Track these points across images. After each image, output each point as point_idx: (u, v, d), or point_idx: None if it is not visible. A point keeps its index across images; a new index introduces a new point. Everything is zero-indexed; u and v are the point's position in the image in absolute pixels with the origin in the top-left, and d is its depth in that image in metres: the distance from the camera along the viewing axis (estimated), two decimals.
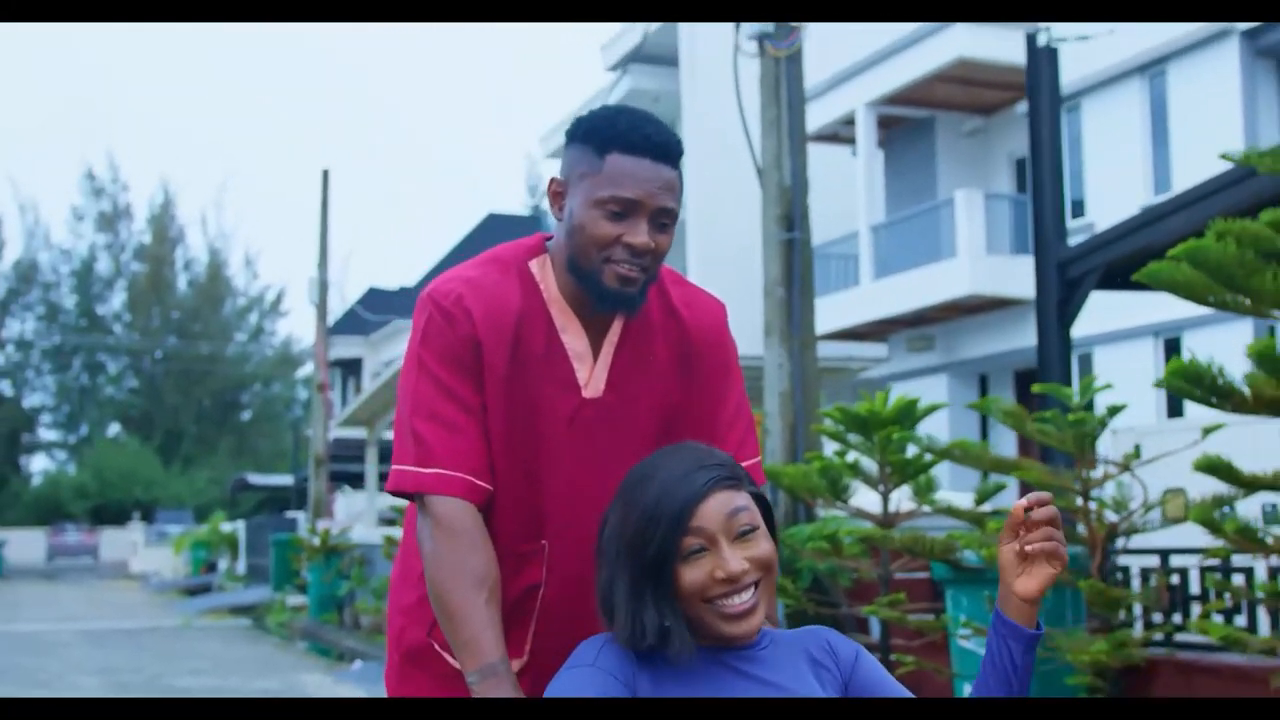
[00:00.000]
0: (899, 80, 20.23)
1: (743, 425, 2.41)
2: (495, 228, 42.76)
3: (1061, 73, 18.42)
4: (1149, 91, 17.90)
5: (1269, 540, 4.98)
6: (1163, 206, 7.55)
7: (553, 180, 2.28)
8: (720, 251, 22.47)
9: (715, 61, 17.65)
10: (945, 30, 19.33)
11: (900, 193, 22.00)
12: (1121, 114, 18.07)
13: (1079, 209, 18.46)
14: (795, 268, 8.79)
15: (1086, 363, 17.41)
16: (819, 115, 21.54)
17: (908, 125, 21.94)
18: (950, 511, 6.94)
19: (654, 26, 21.26)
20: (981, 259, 18.53)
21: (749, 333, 9.90)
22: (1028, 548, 1.98)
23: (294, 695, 10.97)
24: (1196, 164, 15.61)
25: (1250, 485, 5.12)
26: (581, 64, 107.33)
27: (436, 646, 2.34)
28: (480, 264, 2.33)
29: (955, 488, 12.15)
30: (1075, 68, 18.12)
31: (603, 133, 2.21)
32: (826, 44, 22.63)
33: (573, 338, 2.30)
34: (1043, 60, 8.13)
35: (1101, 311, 13.69)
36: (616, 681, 1.97)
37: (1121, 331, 16.96)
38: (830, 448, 8.21)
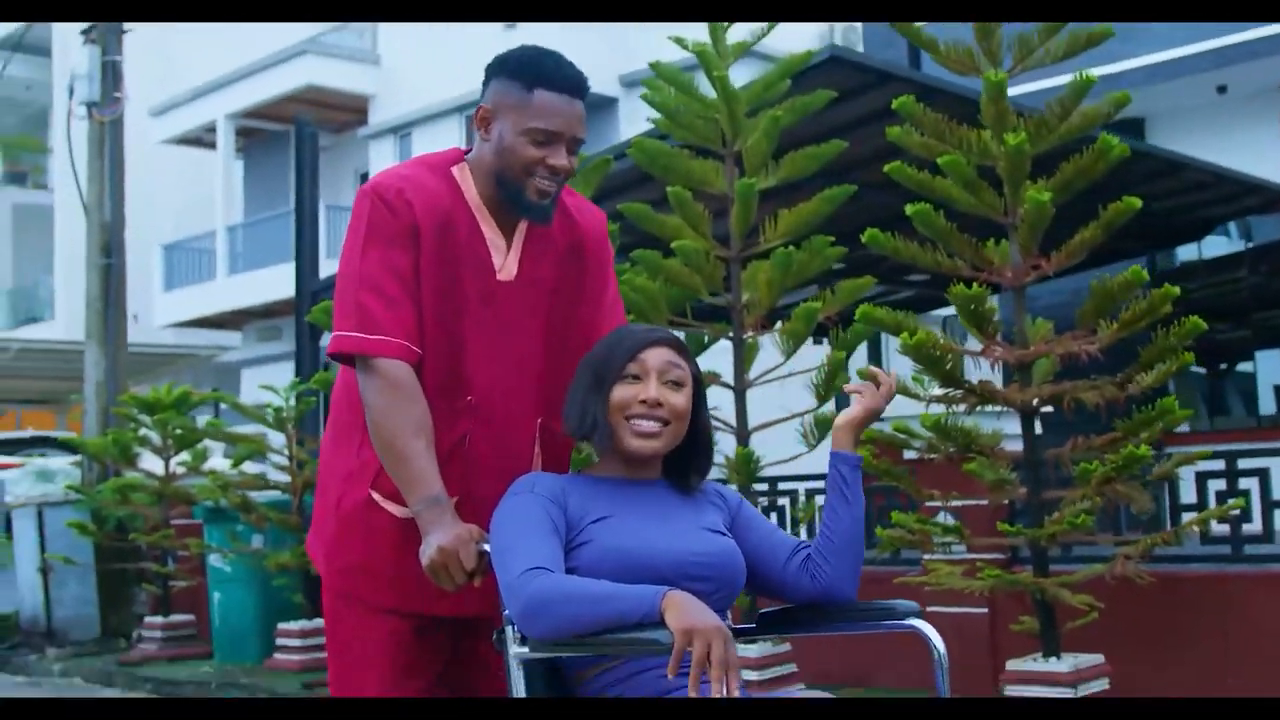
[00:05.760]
0: (257, 97, 22.79)
1: (620, 310, 2.88)
2: None
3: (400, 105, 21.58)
4: (464, 131, 21.58)
5: None
6: None
7: (480, 107, 2.65)
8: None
9: None
10: (299, 58, 22.15)
11: (259, 197, 24.58)
12: (445, 143, 21.61)
13: None
14: (111, 287, 11.31)
15: None
16: (184, 121, 23.74)
17: (266, 137, 24.53)
18: (212, 475, 9.70)
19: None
20: (322, 261, 21.37)
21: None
22: (845, 387, 2.65)
23: None
24: None
25: None
26: None
27: (377, 497, 2.65)
28: (412, 165, 2.73)
29: None
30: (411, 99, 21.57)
31: (531, 70, 2.60)
32: (195, 57, 24.90)
33: (490, 231, 2.68)
34: (305, 140, 11.01)
35: None
36: (552, 503, 2.43)
37: None
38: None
